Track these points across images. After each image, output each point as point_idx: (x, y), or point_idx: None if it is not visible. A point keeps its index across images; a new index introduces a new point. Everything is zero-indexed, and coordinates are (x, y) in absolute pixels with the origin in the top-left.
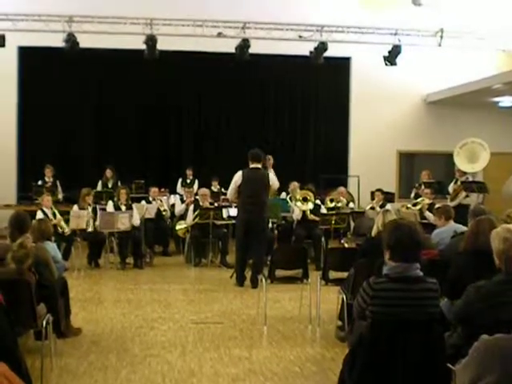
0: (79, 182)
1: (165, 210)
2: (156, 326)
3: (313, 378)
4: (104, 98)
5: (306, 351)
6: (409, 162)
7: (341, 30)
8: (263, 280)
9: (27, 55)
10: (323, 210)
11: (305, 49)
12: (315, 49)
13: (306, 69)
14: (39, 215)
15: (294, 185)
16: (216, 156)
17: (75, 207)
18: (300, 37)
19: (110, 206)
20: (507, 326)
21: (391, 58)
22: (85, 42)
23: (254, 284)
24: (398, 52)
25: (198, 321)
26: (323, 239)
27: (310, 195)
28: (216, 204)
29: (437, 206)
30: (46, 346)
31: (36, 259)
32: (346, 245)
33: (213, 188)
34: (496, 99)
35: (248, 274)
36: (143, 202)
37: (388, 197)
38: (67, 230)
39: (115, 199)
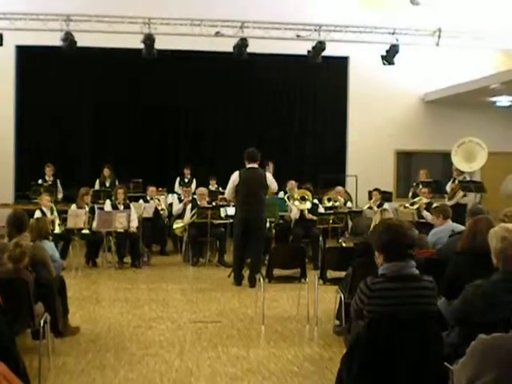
0: (77, 181)
1: (162, 210)
2: (154, 325)
3: (311, 378)
4: (102, 97)
5: (304, 350)
6: (406, 162)
7: (339, 29)
8: (261, 279)
9: (25, 54)
10: (321, 210)
11: (303, 48)
12: (313, 48)
13: (304, 68)
14: (37, 214)
15: (292, 184)
16: (214, 155)
17: (73, 206)
18: (298, 36)
19: (107, 205)
20: (505, 325)
21: (389, 57)
22: (83, 41)
23: (252, 283)
24: (396, 51)
25: (195, 320)
26: (321, 238)
27: (308, 194)
28: (214, 203)
29: (434, 205)
30: (44, 345)
31: (33, 258)
32: (344, 244)
33: (211, 187)
34: (494, 99)
35: (246, 273)
36: (141, 201)
37: (386, 196)
38: (57, 231)
39: (113, 198)
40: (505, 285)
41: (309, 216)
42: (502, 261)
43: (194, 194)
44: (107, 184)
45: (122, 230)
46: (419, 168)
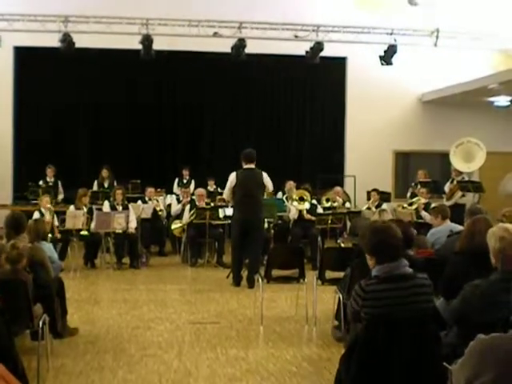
0: (75, 182)
1: (161, 210)
2: (152, 326)
3: (309, 378)
4: (100, 98)
5: (303, 351)
6: (405, 162)
7: (337, 29)
8: (259, 280)
9: (23, 55)
10: (319, 210)
11: (301, 49)
12: (311, 48)
13: (301, 68)
14: (36, 215)
15: (290, 184)
16: (212, 156)
17: (71, 207)
18: (296, 36)
19: (106, 206)
20: (503, 325)
21: (387, 57)
22: (81, 41)
23: (251, 284)
24: (394, 52)
25: (194, 321)
26: (319, 239)
27: (307, 195)
28: (212, 204)
29: (433, 205)
30: (43, 346)
31: (32, 259)
32: (343, 244)
33: (209, 188)
34: (491, 99)
35: (244, 273)
36: (139, 202)
37: (384, 196)
38: (58, 236)
39: (111, 199)
40: (503, 284)
41: (307, 216)
42: (501, 261)
43: (193, 194)
44: (105, 185)
45: (120, 231)
46: (417, 168)
